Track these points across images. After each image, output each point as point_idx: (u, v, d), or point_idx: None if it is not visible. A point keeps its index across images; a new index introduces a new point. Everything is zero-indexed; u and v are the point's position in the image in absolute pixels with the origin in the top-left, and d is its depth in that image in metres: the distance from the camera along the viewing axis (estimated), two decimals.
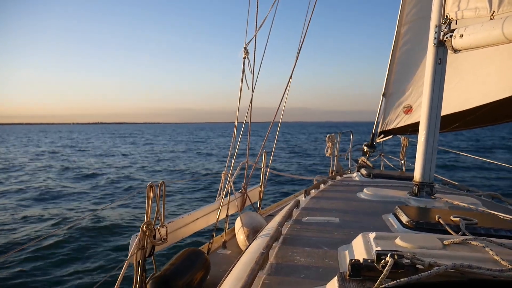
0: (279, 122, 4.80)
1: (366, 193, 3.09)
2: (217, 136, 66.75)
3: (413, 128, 5.54)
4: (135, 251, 2.53)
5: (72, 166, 21.83)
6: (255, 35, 4.14)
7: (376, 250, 1.21)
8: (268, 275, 1.49)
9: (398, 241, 1.48)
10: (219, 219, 3.77)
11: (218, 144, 43.51)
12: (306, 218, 2.36)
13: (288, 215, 2.32)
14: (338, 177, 4.60)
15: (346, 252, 1.65)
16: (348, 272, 1.16)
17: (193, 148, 37.85)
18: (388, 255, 1.14)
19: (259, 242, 1.91)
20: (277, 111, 4.41)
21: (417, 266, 1.15)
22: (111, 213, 9.88)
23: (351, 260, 1.18)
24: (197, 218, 3.44)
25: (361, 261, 1.17)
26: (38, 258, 6.84)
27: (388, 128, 5.97)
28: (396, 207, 2.30)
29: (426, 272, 1.08)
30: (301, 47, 4.36)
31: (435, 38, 2.78)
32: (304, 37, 4.36)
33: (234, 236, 3.80)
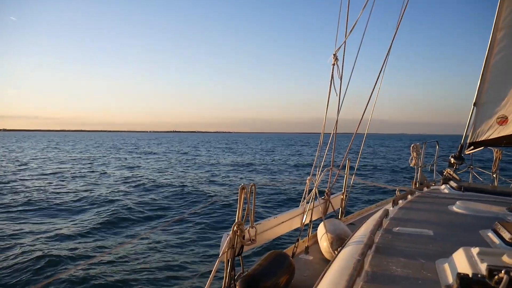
0: (364, 133, 4.72)
1: (459, 206, 2.97)
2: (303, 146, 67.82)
3: (508, 140, 5.18)
4: (226, 250, 2.66)
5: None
6: (345, 42, 4.14)
7: (488, 265, 1.19)
8: (365, 282, 1.51)
9: (505, 258, 1.43)
10: (304, 223, 3.82)
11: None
12: (397, 228, 2.34)
13: (379, 224, 2.31)
14: (425, 189, 4.44)
15: (446, 265, 1.62)
16: (455, 286, 1.16)
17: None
18: (503, 271, 1.12)
19: (351, 249, 1.93)
20: (360, 122, 4.33)
21: None
22: (204, 213, 10.50)
23: (458, 274, 1.17)
24: (282, 222, 3.52)
25: (470, 276, 1.17)
26: (135, 257, 7.32)
27: (479, 140, 5.63)
28: (496, 223, 2.19)
29: None
30: (387, 57, 4.27)
31: None
32: (390, 47, 4.26)
33: (316, 241, 3.83)
